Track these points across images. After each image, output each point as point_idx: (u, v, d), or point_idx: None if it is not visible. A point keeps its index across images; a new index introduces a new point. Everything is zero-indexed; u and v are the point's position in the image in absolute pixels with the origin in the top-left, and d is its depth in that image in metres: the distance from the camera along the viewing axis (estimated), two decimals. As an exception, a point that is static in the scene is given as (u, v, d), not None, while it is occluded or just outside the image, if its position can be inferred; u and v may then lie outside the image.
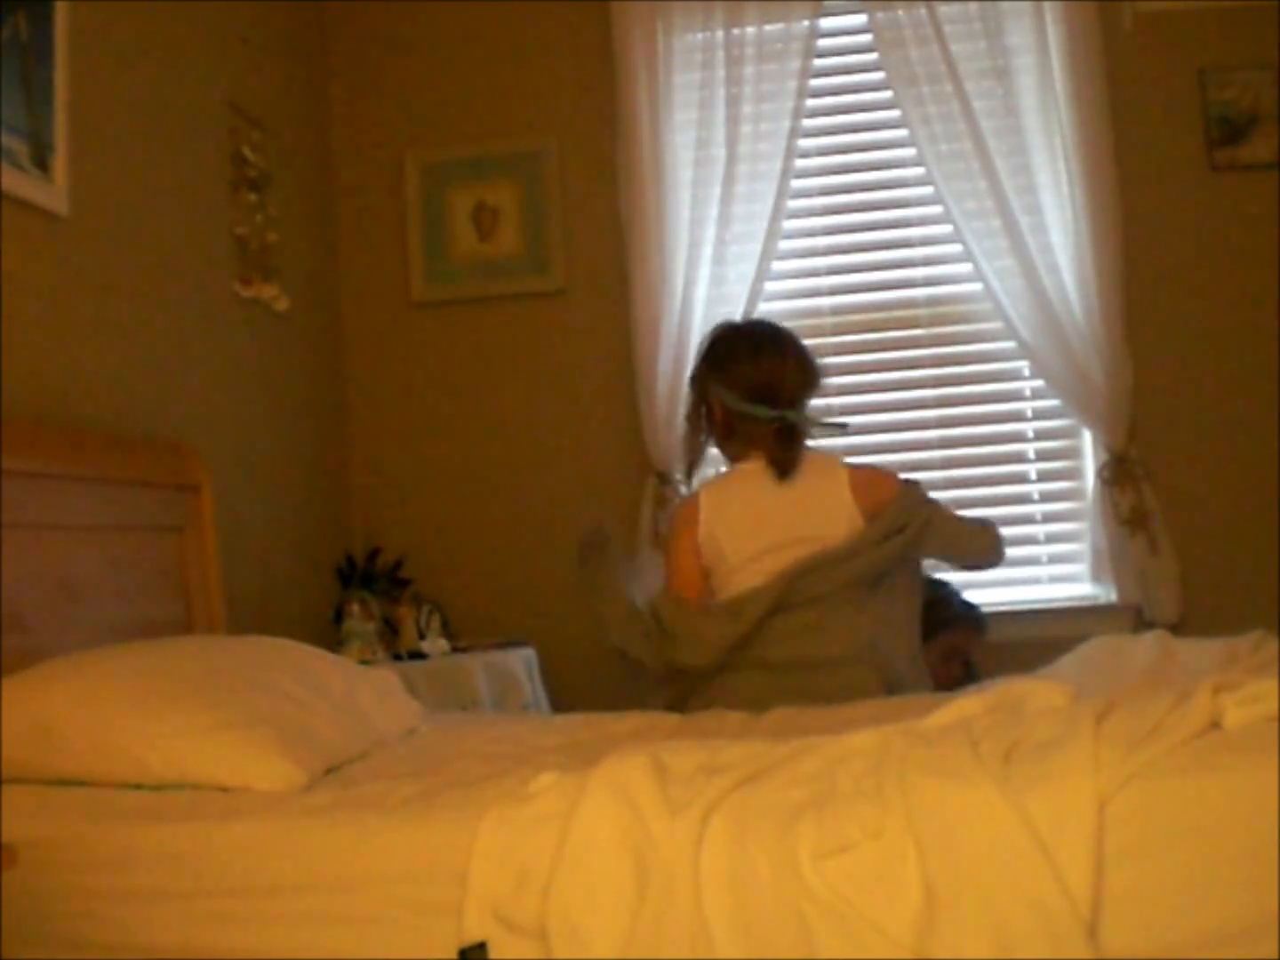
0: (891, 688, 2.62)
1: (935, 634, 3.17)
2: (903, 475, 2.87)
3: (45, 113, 2.52)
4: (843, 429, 3.12)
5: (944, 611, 3.33)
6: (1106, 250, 3.60)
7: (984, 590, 3.59)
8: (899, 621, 2.76)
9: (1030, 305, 3.62)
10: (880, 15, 3.72)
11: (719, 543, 2.71)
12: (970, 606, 3.46)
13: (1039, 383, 3.73)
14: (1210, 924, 1.43)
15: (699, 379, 2.84)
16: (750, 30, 3.77)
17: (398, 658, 3.36)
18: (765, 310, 3.78)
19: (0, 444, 2.17)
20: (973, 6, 3.69)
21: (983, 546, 2.83)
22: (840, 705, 2.41)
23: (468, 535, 3.94)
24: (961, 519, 2.86)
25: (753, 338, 2.83)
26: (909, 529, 2.68)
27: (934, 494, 3.74)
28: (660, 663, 2.70)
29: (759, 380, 2.73)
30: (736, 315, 3.65)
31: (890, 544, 2.67)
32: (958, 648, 3.32)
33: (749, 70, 3.76)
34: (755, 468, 2.75)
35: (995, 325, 3.73)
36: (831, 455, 2.84)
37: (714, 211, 3.75)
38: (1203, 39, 3.67)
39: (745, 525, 2.70)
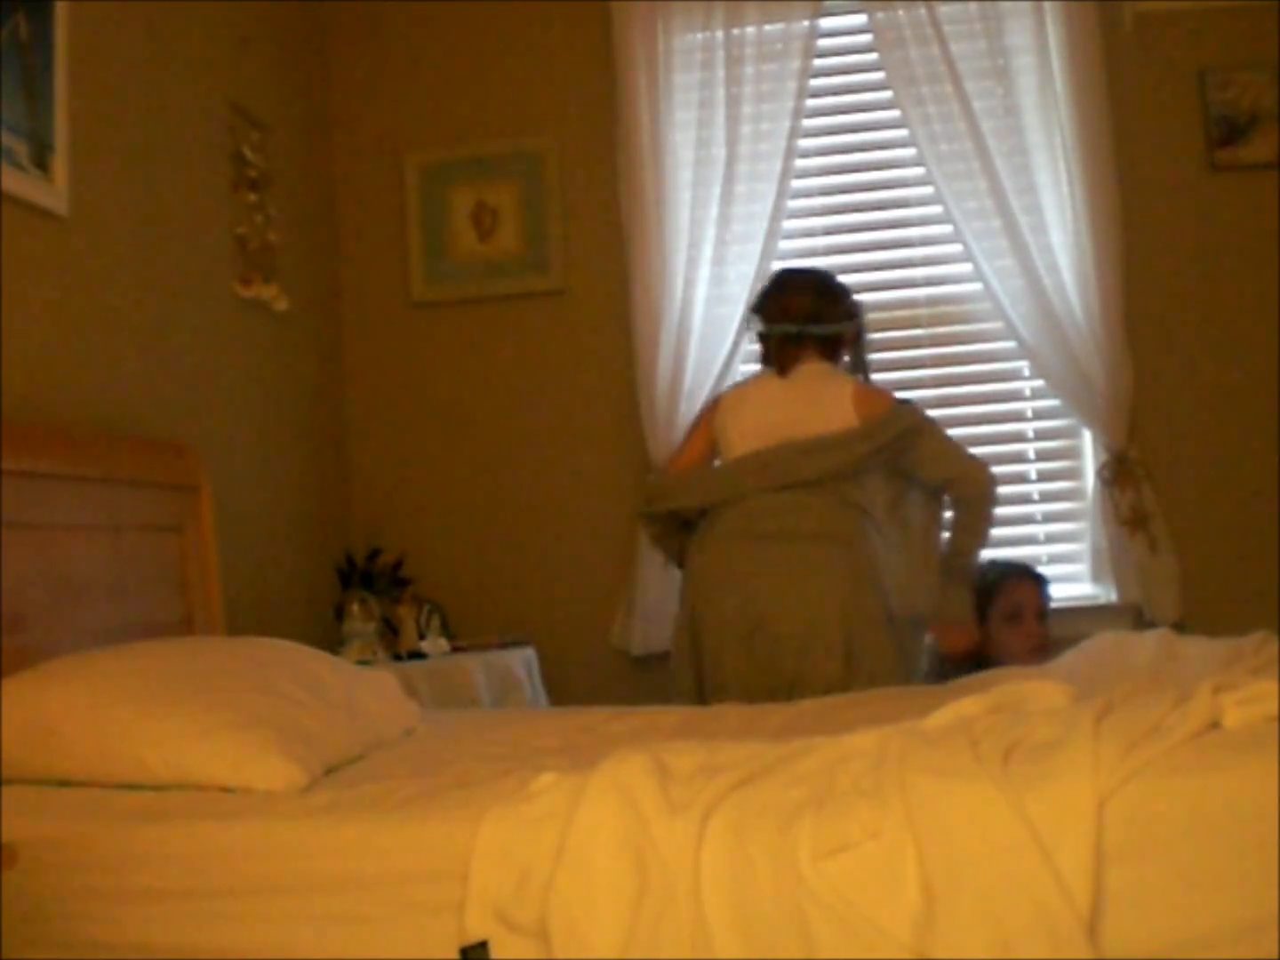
0: (860, 580, 2.89)
1: (990, 600, 3.28)
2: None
3: (45, 113, 2.52)
4: (853, 326, 3.23)
5: (990, 574, 3.36)
6: (1106, 250, 3.60)
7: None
8: (911, 548, 3.04)
9: (1030, 305, 3.62)
10: (880, 15, 3.72)
11: (726, 428, 3.12)
12: (1020, 564, 3.46)
13: (1039, 383, 3.73)
14: (1210, 924, 1.43)
15: (752, 323, 3.31)
16: (750, 30, 3.77)
17: (398, 658, 3.36)
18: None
19: (0, 444, 2.17)
20: (973, 6, 3.69)
21: (976, 475, 3.03)
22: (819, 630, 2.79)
23: (468, 535, 3.94)
24: (955, 444, 3.07)
25: (776, 276, 3.30)
26: (891, 427, 2.97)
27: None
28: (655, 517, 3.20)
29: (776, 306, 3.17)
30: (737, 315, 3.70)
31: (869, 440, 2.95)
32: (1018, 604, 3.30)
33: (749, 70, 3.76)
34: (769, 372, 3.17)
35: (995, 325, 3.73)
36: (846, 374, 3.14)
37: (714, 211, 3.75)
38: (1203, 39, 3.67)
39: (749, 413, 3.10)
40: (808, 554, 2.90)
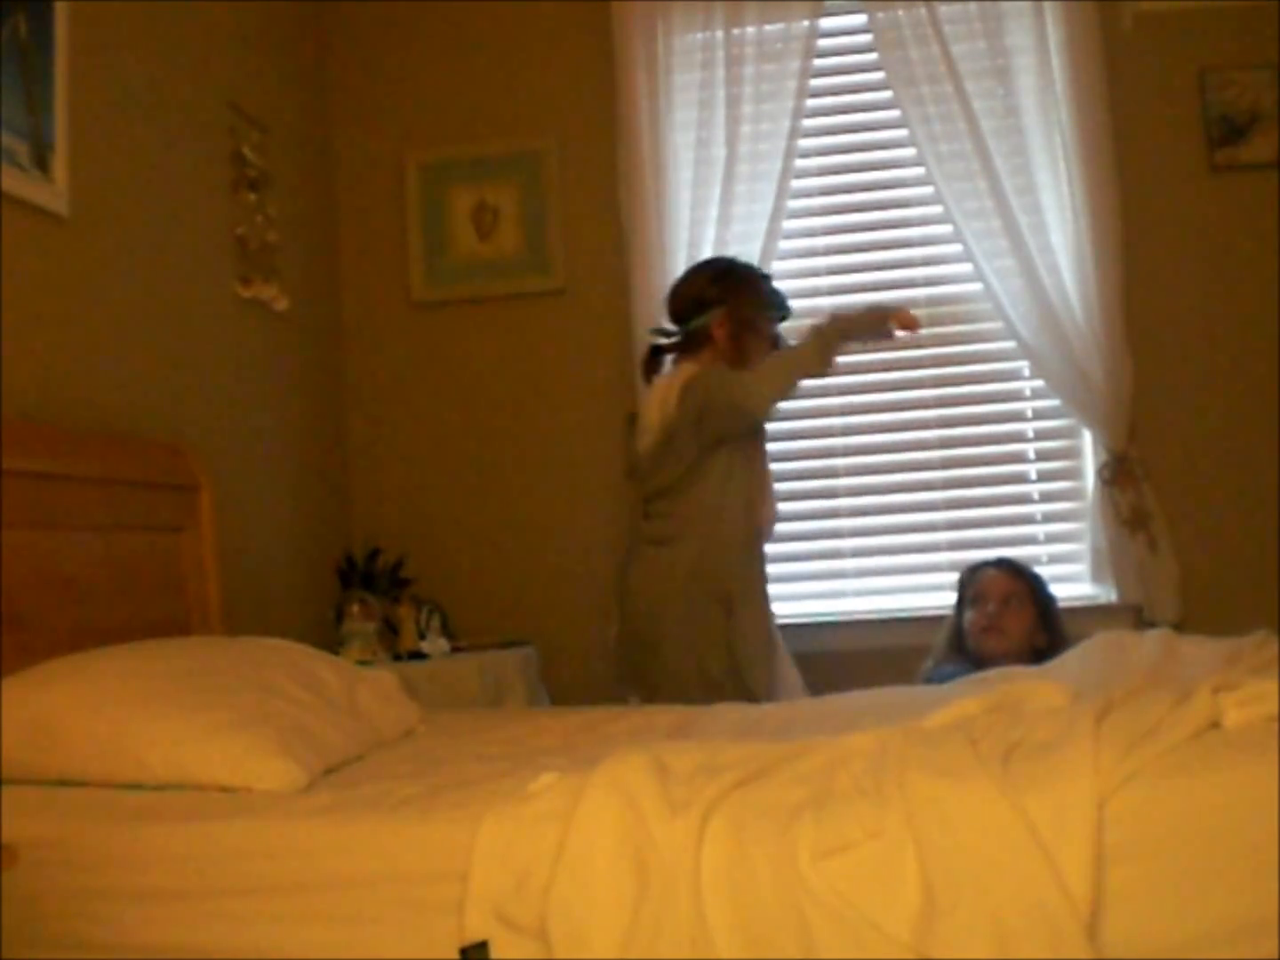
0: (676, 573, 2.92)
1: (966, 589, 3.35)
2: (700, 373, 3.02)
3: (45, 113, 2.52)
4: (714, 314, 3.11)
5: (972, 567, 3.39)
6: (1106, 250, 3.59)
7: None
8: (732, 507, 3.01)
9: (1030, 305, 3.62)
10: (880, 15, 3.72)
11: None
12: (1001, 558, 3.45)
13: (1039, 383, 3.73)
14: (1210, 924, 1.43)
15: None
16: (750, 30, 3.77)
17: (398, 658, 3.36)
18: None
19: (0, 444, 2.17)
20: (973, 6, 3.69)
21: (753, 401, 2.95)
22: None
23: (468, 535, 3.94)
24: (732, 381, 2.95)
25: None
26: (683, 401, 2.93)
27: (933, 494, 3.79)
28: None
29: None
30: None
31: (666, 425, 2.96)
32: (980, 591, 3.31)
33: (749, 70, 3.76)
34: None
35: (995, 325, 3.73)
36: (704, 367, 3.02)
37: (714, 211, 3.75)
38: (1203, 39, 3.67)
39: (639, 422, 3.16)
40: (640, 557, 3.02)
